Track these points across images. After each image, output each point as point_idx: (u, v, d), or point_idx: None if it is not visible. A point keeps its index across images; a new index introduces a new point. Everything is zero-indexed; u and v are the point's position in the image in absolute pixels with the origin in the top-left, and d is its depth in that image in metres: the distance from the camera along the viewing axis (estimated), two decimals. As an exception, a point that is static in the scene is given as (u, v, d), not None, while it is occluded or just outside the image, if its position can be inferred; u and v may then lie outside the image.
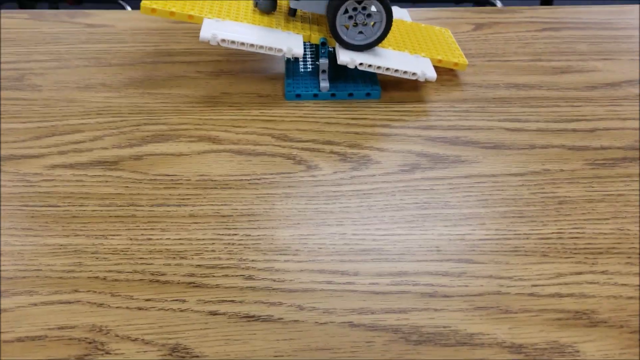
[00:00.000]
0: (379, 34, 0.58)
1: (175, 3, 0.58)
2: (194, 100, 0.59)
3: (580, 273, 0.40)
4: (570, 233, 0.43)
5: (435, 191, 0.47)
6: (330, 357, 0.34)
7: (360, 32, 0.58)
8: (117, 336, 0.35)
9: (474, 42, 0.72)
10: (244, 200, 0.46)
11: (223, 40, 0.55)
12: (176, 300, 0.38)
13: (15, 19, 0.76)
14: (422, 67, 0.59)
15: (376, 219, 0.45)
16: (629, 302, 0.38)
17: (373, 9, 0.57)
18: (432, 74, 0.59)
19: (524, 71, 0.65)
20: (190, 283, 0.39)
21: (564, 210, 0.46)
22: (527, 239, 0.43)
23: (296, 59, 0.66)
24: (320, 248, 0.42)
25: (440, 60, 0.62)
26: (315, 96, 0.60)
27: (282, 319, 0.37)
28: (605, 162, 0.51)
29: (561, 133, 0.55)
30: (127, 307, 0.37)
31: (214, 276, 0.40)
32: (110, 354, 0.34)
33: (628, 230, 0.44)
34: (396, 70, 0.58)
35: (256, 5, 0.61)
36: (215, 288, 0.39)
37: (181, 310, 0.37)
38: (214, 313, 0.37)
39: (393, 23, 0.68)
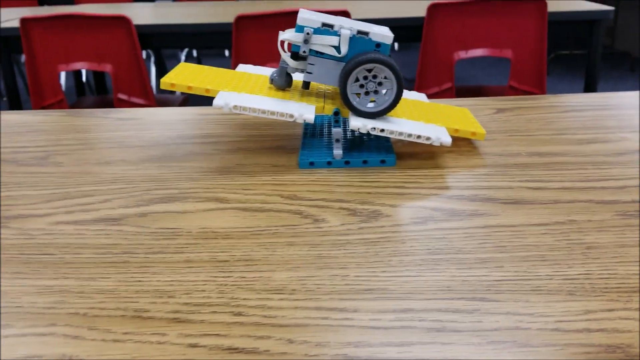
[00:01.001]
0: (390, 100, 0.58)
1: (194, 79, 0.61)
2: (207, 170, 0.59)
3: (612, 310, 0.35)
4: (599, 274, 0.39)
5: (448, 239, 0.44)
6: (318, 387, 0.30)
7: (372, 101, 0.58)
8: (86, 366, 0.32)
9: (495, 122, 0.71)
10: (244, 247, 0.44)
11: (235, 107, 0.56)
12: (156, 334, 0.35)
13: (52, 116, 0.80)
14: (437, 133, 0.58)
15: (382, 263, 0.41)
16: (672, 337, 0.32)
17: (383, 77, 0.58)
18: (447, 138, 0.57)
19: (548, 143, 0.63)
20: (174, 319, 0.36)
21: (592, 254, 0.41)
22: (550, 279, 0.39)
23: (312, 134, 0.66)
24: (319, 288, 0.39)
25: (457, 130, 0.61)
26: (329, 164, 0.59)
27: (268, 351, 0.33)
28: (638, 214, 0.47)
29: (588, 190, 0.51)
30: (103, 340, 0.34)
31: (200, 312, 0.37)
32: (73, 382, 0.31)
33: (667, 270, 0.39)
34: (409, 135, 0.57)
35: (272, 81, 0.63)
36: (200, 323, 0.35)
37: (159, 343, 0.34)
38: (194, 345, 0.34)
39: (409, 102, 0.68)
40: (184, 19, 1.96)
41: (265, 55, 1.76)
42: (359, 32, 0.58)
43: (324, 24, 0.58)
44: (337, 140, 0.59)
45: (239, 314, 0.36)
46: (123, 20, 1.77)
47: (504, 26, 1.82)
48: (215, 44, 1.94)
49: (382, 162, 0.59)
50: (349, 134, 0.66)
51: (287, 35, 0.58)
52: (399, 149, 0.63)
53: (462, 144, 0.64)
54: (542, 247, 0.42)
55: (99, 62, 1.85)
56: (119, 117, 0.78)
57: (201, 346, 0.33)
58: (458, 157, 0.60)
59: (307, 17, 0.58)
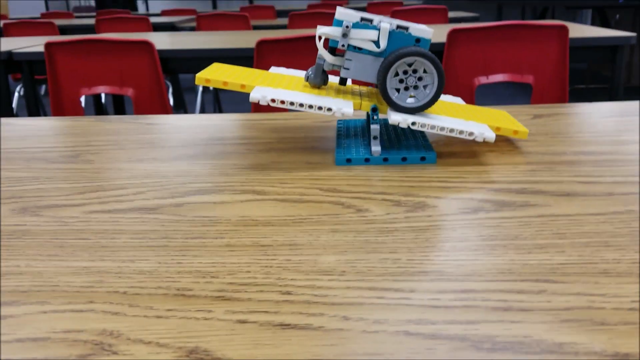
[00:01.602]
0: (431, 95, 0.56)
1: (229, 75, 0.60)
2: (241, 167, 0.57)
3: (691, 291, 0.33)
4: (670, 259, 0.36)
5: (502, 227, 0.42)
6: (381, 362, 0.28)
7: (412, 96, 0.57)
8: (129, 339, 0.30)
9: (534, 126, 0.69)
10: (286, 234, 0.42)
11: (273, 100, 0.54)
12: (201, 310, 0.33)
13: (80, 121, 0.79)
14: (479, 129, 0.56)
15: (435, 248, 0.39)
16: None
17: (424, 71, 0.56)
18: (490, 134, 0.56)
19: (591, 144, 0.61)
20: (219, 297, 0.34)
21: (658, 240, 0.39)
22: (618, 263, 0.36)
23: (347, 135, 0.64)
24: (370, 270, 0.36)
25: (498, 128, 0.59)
26: (367, 161, 0.57)
27: (323, 327, 0.31)
28: (700, 203, 0.44)
29: (642, 184, 0.49)
30: (145, 316, 0.32)
31: (246, 291, 0.34)
32: (117, 354, 0.29)
33: None
34: (452, 130, 0.55)
35: (307, 79, 0.62)
36: (247, 301, 0.33)
37: (206, 319, 0.32)
38: (242, 321, 0.31)
39: (446, 103, 0.66)
40: (204, 44, 1.97)
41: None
42: (399, 26, 0.57)
43: (362, 19, 0.57)
44: (375, 137, 0.58)
45: (288, 293, 0.34)
46: (146, 45, 1.79)
47: (524, 51, 1.81)
48: (236, 68, 1.95)
49: (422, 159, 0.57)
50: (385, 132, 0.64)
51: (326, 30, 0.57)
52: (438, 148, 0.61)
53: (503, 144, 0.62)
54: (603, 234, 0.40)
55: (121, 86, 1.87)
56: (148, 122, 0.77)
57: (251, 322, 0.31)
58: (500, 156, 0.58)
59: (346, 11, 0.57)
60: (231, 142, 0.66)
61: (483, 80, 1.84)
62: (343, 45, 0.57)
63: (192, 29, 3.52)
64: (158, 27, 3.77)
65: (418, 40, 0.57)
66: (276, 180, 0.53)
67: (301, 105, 0.55)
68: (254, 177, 0.54)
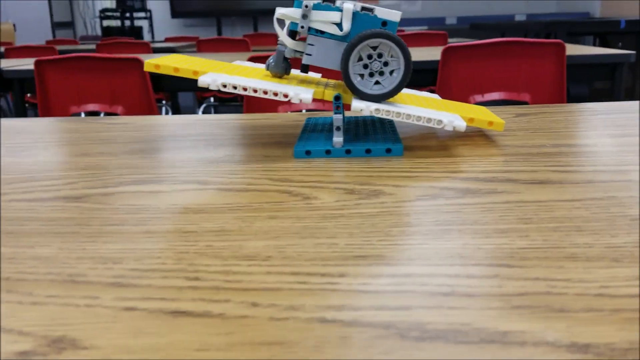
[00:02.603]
0: (397, 81, 0.52)
1: (184, 63, 0.55)
2: (192, 160, 0.52)
3: (673, 275, 0.27)
4: (651, 243, 0.31)
5: (462, 213, 0.37)
6: (280, 352, 0.22)
7: (377, 82, 0.52)
8: (-13, 327, 0.25)
9: (515, 123, 0.64)
10: (217, 220, 0.37)
11: (224, 85, 0.50)
12: (87, 297, 0.27)
13: (41, 122, 0.75)
14: (449, 117, 0.51)
15: (381, 233, 0.34)
16: None
17: (390, 55, 0.52)
18: (461, 123, 0.51)
19: (576, 137, 0.56)
20: (114, 283, 0.29)
21: (638, 225, 0.33)
22: (590, 247, 0.31)
23: (314, 129, 0.59)
24: (300, 255, 0.31)
25: (471, 119, 0.54)
26: (328, 153, 0.52)
27: (224, 314, 0.25)
28: (690, 190, 0.39)
29: (629, 172, 0.44)
30: (20, 302, 0.27)
31: (148, 277, 0.29)
32: (-35, 342, 0.24)
33: None
34: (419, 118, 0.50)
35: (268, 67, 0.57)
36: (145, 287, 0.28)
37: (88, 306, 0.26)
38: (131, 309, 0.26)
39: (420, 97, 0.62)
40: (198, 62, 1.95)
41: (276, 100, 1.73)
42: (364, 8, 0.52)
43: (324, 0, 0.52)
44: (338, 128, 0.53)
45: (196, 279, 0.29)
46: (136, 62, 1.76)
47: (520, 69, 1.77)
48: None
49: (388, 151, 0.52)
50: (354, 127, 0.60)
51: (284, 11, 0.53)
52: (409, 142, 0.56)
53: (479, 138, 0.57)
54: (576, 219, 0.35)
55: (111, 104, 1.84)
56: (110, 122, 0.73)
57: (140, 309, 0.26)
58: (474, 148, 0.53)
59: (305, -8, 0.53)
60: (191, 139, 0.61)
61: (478, 98, 1.80)
62: (302, 27, 0.53)
63: (193, 53, 3.52)
64: (159, 52, 3.77)
65: (385, 23, 0.52)
66: (225, 171, 0.48)
67: (255, 90, 0.50)
68: (202, 169, 0.49)
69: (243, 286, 0.28)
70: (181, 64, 0.54)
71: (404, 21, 6.27)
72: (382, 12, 0.52)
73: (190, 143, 0.59)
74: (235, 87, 0.50)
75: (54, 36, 6.80)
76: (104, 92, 1.82)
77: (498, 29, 4.80)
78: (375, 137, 0.55)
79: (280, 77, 0.57)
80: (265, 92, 0.50)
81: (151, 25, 6.55)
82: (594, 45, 4.92)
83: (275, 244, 0.33)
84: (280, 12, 0.53)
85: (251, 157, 0.53)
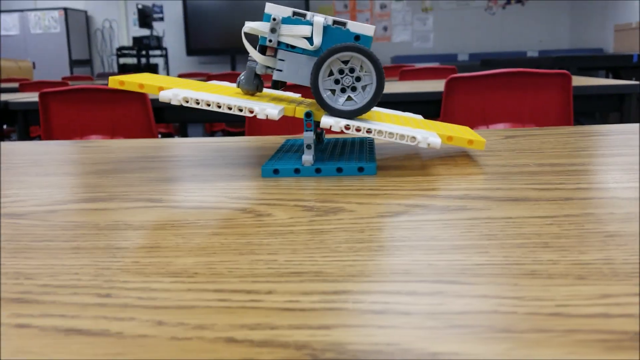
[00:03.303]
0: (369, 97, 0.49)
1: (152, 80, 0.53)
2: (153, 180, 0.50)
3: (643, 294, 0.24)
4: (625, 259, 0.27)
5: (420, 229, 0.33)
6: (170, 374, 0.19)
7: (349, 99, 0.50)
8: None
9: (502, 144, 0.61)
10: (154, 237, 0.34)
11: (186, 100, 0.48)
12: (-20, 313, 0.24)
13: (17, 145, 0.73)
14: (424, 134, 0.49)
15: (327, 250, 0.31)
16: None
17: (361, 70, 0.49)
18: (435, 139, 0.48)
19: (562, 157, 0.52)
20: (16, 299, 0.26)
21: (615, 241, 0.30)
22: (554, 264, 0.27)
23: (289, 149, 0.57)
24: (231, 272, 0.28)
25: (450, 138, 0.51)
26: (297, 172, 0.49)
27: (122, 332, 0.22)
28: (677, 206, 0.35)
29: (613, 190, 0.40)
30: None
31: (57, 294, 0.26)
32: None
33: None
34: (391, 134, 0.47)
35: (238, 85, 0.55)
36: (49, 304, 0.25)
37: (-23, 323, 0.24)
38: (22, 326, 0.23)
39: (399, 117, 0.59)
40: (201, 94, 1.95)
41: (280, 126, 1.71)
42: (335, 22, 0.50)
43: (295, 13, 0.50)
44: (309, 146, 0.50)
45: (107, 296, 0.26)
46: (138, 94, 1.76)
47: (526, 100, 1.75)
48: (228, 116, 1.92)
49: (360, 169, 0.49)
50: (332, 147, 0.57)
51: (253, 25, 0.51)
52: (385, 162, 0.53)
53: (461, 158, 0.54)
54: (545, 235, 0.31)
55: (112, 134, 1.84)
56: (85, 145, 0.71)
57: (33, 326, 0.23)
58: (453, 168, 0.50)
59: (276, 6, 0.51)
60: (162, 159, 0.59)
61: (483, 129, 1.77)
62: (270, 41, 0.50)
63: (202, 88, 3.54)
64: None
65: (357, 37, 0.50)
66: (182, 190, 0.45)
67: (219, 106, 0.48)
68: (159, 187, 0.47)
69: (155, 304, 0.25)
70: (147, 81, 0.52)
71: (416, 58, 6.31)
72: (355, 27, 0.50)
73: (158, 164, 0.56)
74: (198, 102, 0.48)
75: (71, 73, 6.92)
76: (105, 123, 1.82)
77: (509, 64, 4.80)
78: (349, 157, 0.52)
79: (252, 94, 0.55)
80: (230, 108, 0.48)
81: (166, 62, 6.66)
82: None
83: (207, 261, 0.30)
84: (248, 26, 0.51)
85: (217, 176, 0.50)
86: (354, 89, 0.50)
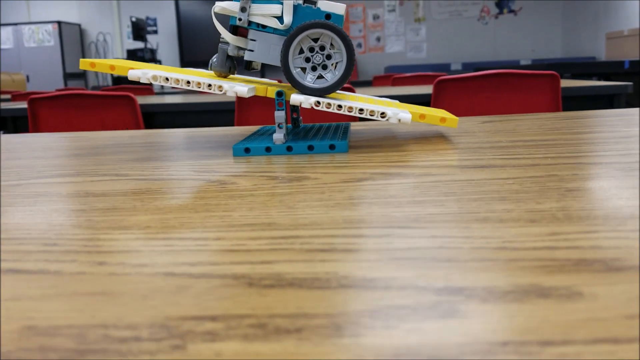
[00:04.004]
0: (339, 75, 0.49)
1: (125, 63, 0.53)
2: (122, 159, 0.49)
3: (595, 232, 0.23)
4: (582, 207, 0.27)
5: (381, 190, 0.33)
6: (100, 301, 0.19)
7: (320, 77, 0.50)
8: None
9: (478, 127, 0.61)
10: (114, 202, 0.34)
11: (155, 78, 0.47)
12: None
13: (18, 138, 0.73)
14: (394, 110, 0.48)
15: (284, 207, 0.30)
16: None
17: (332, 47, 0.49)
18: (406, 115, 0.48)
19: (537, 134, 0.52)
20: (-39, 249, 0.25)
21: (574, 194, 0.30)
22: (509, 212, 0.27)
23: (264, 132, 0.57)
24: (183, 224, 0.28)
25: (423, 116, 0.51)
26: (268, 150, 0.49)
27: (59, 271, 0.22)
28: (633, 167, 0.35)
29: (581, 157, 0.40)
30: None
31: (7, 244, 0.26)
32: None
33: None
34: (361, 110, 0.47)
35: (210, 67, 0.55)
36: (-7, 252, 0.25)
37: None
38: (-39, 269, 0.23)
39: (377, 100, 0.59)
40: (191, 100, 1.95)
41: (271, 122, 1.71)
42: (305, 1, 0.50)
43: (264, -7, 0.50)
44: (280, 125, 0.50)
45: (54, 244, 0.25)
46: (127, 99, 1.76)
47: (514, 102, 1.75)
48: (218, 122, 1.92)
49: (332, 147, 0.49)
50: (309, 130, 0.57)
51: (223, 4, 0.51)
52: (359, 143, 0.53)
53: (436, 139, 0.54)
54: (504, 192, 0.31)
55: (103, 140, 1.83)
56: (64, 136, 0.71)
57: (-29, 269, 0.23)
58: (425, 145, 0.50)
59: (246, -14, 0.51)
60: (135, 145, 0.59)
61: (474, 131, 1.77)
62: (240, 20, 0.50)
63: (193, 94, 3.54)
64: (160, 94, 3.81)
65: (328, 16, 0.50)
66: (150, 167, 0.45)
67: (188, 82, 0.48)
68: (127, 165, 0.46)
69: (99, 249, 0.24)
70: (120, 64, 0.52)
71: (410, 68, 6.34)
72: (325, 5, 0.50)
73: (131, 148, 0.56)
74: (167, 80, 0.47)
75: (65, 86, 6.93)
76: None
77: (501, 72, 4.81)
78: (322, 137, 0.52)
79: (225, 76, 0.55)
80: (199, 85, 0.48)
81: (160, 74, 6.67)
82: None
83: (162, 217, 0.29)
84: (219, 5, 0.51)
85: (188, 157, 0.50)
86: (324, 67, 0.49)
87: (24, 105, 1.97)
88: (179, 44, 6.46)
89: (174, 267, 0.22)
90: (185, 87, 0.47)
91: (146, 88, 3.62)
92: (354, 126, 0.65)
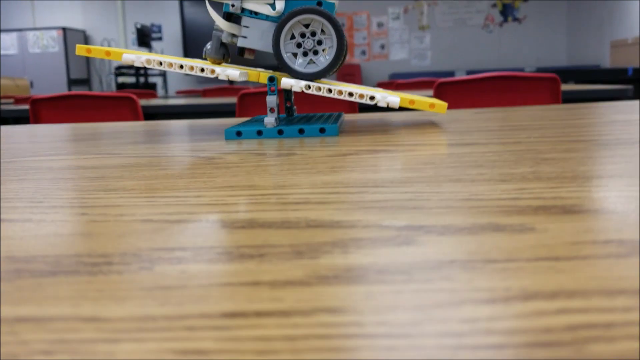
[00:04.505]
0: (330, 59, 0.50)
1: (121, 51, 0.54)
2: (117, 143, 0.50)
3: (559, 187, 0.24)
4: (551, 172, 0.28)
5: (362, 161, 0.34)
6: (78, 242, 0.20)
7: (311, 62, 0.51)
8: None
9: (470, 116, 0.61)
10: (100, 173, 0.35)
11: (148, 62, 0.49)
12: None
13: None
14: (383, 94, 0.49)
15: (267, 174, 0.31)
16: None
17: (322, 33, 0.50)
18: (394, 99, 0.48)
19: (525, 121, 0.53)
20: (-49, 206, 0.26)
21: (547, 162, 0.31)
22: (482, 175, 0.28)
23: (257, 120, 0.58)
24: (166, 187, 0.29)
25: (412, 101, 0.52)
26: (259, 134, 0.50)
27: (41, 220, 0.23)
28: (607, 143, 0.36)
29: (561, 139, 0.41)
30: None
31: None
32: None
33: None
34: (351, 94, 0.48)
35: (205, 54, 0.56)
36: (-19, 208, 0.26)
37: None
38: (-52, 219, 0.24)
39: (367, 87, 0.60)
40: (190, 102, 1.96)
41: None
42: (297, -12, 0.51)
43: (257, -19, 0.52)
44: (272, 110, 0.51)
45: (39, 202, 0.26)
46: (129, 100, 1.78)
47: (514, 104, 1.76)
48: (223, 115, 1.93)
49: (322, 130, 0.50)
50: (301, 117, 0.58)
51: (215, -8, 0.52)
52: (351, 129, 0.54)
53: (426, 125, 0.54)
54: (482, 161, 0.32)
55: (106, 141, 1.84)
56: (59, 127, 0.72)
57: (-42, 220, 0.23)
58: (415, 129, 0.50)
59: (239, -26, 0.52)
60: (132, 132, 0.60)
61: (473, 133, 1.78)
62: (233, 6, 0.51)
63: (197, 97, 3.56)
64: (164, 98, 3.83)
65: (320, 3, 0.51)
66: (143, 148, 0.46)
67: (181, 66, 0.49)
68: (121, 146, 0.47)
69: (83, 205, 0.25)
70: (116, 50, 0.53)
71: (414, 75, 6.36)
72: (317, -8, 0.51)
73: (129, 134, 0.57)
74: (160, 64, 0.49)
75: (69, 89, 6.96)
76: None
77: (504, 79, 4.82)
78: (314, 122, 0.53)
79: (219, 64, 0.56)
80: (192, 69, 0.49)
81: (165, 81, 6.71)
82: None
83: (147, 183, 0.30)
84: (213, -8, 0.52)
85: (181, 140, 0.51)
86: (315, 52, 0.50)
87: (25, 107, 1.99)
88: (183, 51, 6.50)
89: (152, 216, 0.22)
90: (178, 70, 0.48)
91: (149, 93, 3.65)
92: (348, 117, 0.66)
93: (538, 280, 0.14)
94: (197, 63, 0.49)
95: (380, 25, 6.63)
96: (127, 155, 0.41)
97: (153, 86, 6.87)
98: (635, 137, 0.38)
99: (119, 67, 6.43)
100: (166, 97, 3.79)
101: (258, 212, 0.22)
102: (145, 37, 6.37)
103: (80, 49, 0.52)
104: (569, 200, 0.22)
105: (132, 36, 6.83)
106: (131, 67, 6.36)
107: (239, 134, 0.50)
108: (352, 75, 6.26)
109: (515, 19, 6.33)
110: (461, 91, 1.76)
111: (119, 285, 0.15)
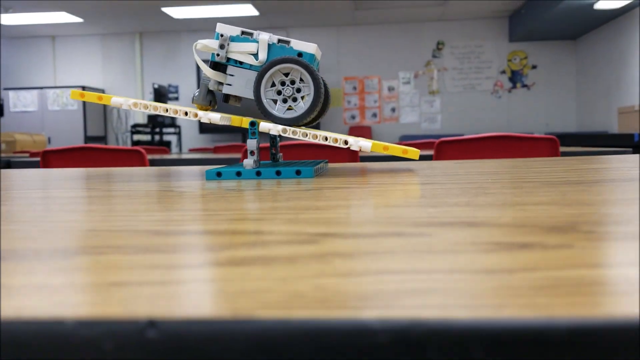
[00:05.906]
0: (307, 106, 0.53)
1: (115, 96, 0.57)
2: (102, 181, 0.53)
3: (481, 211, 0.26)
4: (484, 200, 0.30)
5: (327, 193, 0.36)
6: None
7: (290, 109, 0.53)
8: None
9: (448, 166, 0.63)
10: (64, 200, 0.37)
11: (135, 104, 0.52)
12: None
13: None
14: (356, 139, 0.52)
15: (226, 201, 0.33)
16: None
17: (301, 81, 0.53)
18: (366, 143, 0.51)
19: (496, 169, 0.55)
20: None
21: (485, 194, 0.32)
22: (418, 202, 0.30)
23: (240, 163, 0.60)
24: (125, 210, 0.31)
25: (386, 147, 0.54)
26: (239, 174, 0.52)
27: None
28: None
29: (519, 179, 0.43)
30: None
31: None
32: None
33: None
34: (325, 138, 0.51)
35: (193, 100, 0.59)
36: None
37: None
38: None
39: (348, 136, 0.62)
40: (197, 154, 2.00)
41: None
42: (280, 40, 0.55)
43: (243, 32, 0.55)
44: (252, 152, 0.53)
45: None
46: (137, 153, 1.83)
47: (517, 164, 1.78)
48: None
49: (298, 172, 0.52)
50: (285, 163, 0.60)
51: (204, 41, 0.55)
52: (329, 175, 0.56)
53: (404, 172, 0.56)
54: (426, 193, 0.34)
55: (112, 193, 1.88)
56: (58, 170, 0.75)
57: None
58: (390, 174, 0.52)
59: (227, 26, 0.55)
60: (127, 175, 0.62)
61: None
62: (219, 55, 0.55)
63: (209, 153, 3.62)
64: (177, 156, 3.89)
65: (300, 54, 0.54)
66: (123, 187, 0.48)
67: (166, 110, 0.52)
68: (102, 185, 0.50)
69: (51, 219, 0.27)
70: (106, 95, 0.56)
71: (424, 137, 6.43)
72: (298, 44, 0.55)
73: (118, 176, 0.60)
74: (146, 107, 0.51)
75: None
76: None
77: (512, 143, 4.86)
78: (292, 165, 0.55)
79: (206, 110, 0.59)
80: (176, 112, 0.52)
81: (179, 139, 6.84)
82: (610, 159, 4.91)
83: (109, 208, 0.32)
84: (200, 43, 0.56)
85: (165, 179, 0.53)
86: (295, 99, 0.53)
87: (37, 158, 2.05)
88: (198, 110, 6.63)
89: (96, 225, 0.24)
90: (163, 113, 0.51)
91: (162, 149, 3.72)
92: (336, 165, 0.69)
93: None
94: (180, 107, 0.52)
95: (391, 89, 6.77)
96: (101, 190, 0.44)
97: (168, 144, 7.01)
98: (583, 179, 0.40)
99: (135, 125, 6.58)
100: (179, 153, 3.86)
101: (204, 223, 0.24)
102: (162, 97, 6.54)
103: (75, 94, 0.55)
104: (477, 218, 0.23)
105: (150, 95, 7.01)
106: (146, 125, 6.51)
107: (219, 174, 0.52)
108: (363, 137, 6.34)
109: (524, 85, 6.44)
110: (460, 150, 1.78)
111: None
